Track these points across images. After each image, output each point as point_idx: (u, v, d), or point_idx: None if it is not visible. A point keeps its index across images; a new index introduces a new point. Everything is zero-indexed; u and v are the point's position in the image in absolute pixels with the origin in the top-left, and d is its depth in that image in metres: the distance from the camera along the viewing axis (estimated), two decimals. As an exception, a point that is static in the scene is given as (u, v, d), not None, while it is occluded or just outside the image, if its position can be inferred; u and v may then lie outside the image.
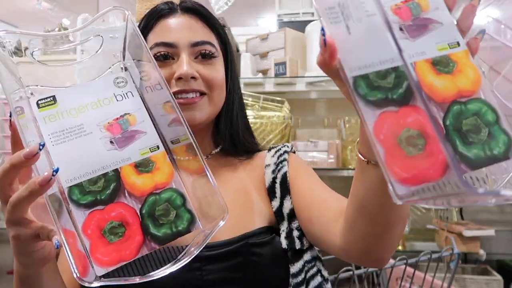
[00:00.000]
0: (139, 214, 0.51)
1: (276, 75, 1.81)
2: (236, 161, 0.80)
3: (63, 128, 0.52)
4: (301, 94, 1.96)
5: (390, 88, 0.39)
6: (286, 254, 0.70)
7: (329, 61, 0.40)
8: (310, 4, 2.24)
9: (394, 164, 0.37)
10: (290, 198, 0.73)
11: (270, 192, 0.74)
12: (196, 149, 0.55)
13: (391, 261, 1.21)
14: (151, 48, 0.71)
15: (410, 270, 1.24)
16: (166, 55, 0.71)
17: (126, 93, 0.57)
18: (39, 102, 0.53)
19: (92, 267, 0.46)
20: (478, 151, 0.37)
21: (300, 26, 1.94)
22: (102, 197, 0.50)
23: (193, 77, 0.69)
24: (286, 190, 0.74)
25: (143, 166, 0.53)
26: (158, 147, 0.55)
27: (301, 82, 1.83)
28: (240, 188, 0.75)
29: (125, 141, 0.53)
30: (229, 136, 0.78)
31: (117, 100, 0.55)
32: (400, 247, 1.90)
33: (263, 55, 1.90)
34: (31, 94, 0.54)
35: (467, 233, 1.72)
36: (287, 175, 0.75)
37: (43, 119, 0.52)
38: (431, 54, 0.40)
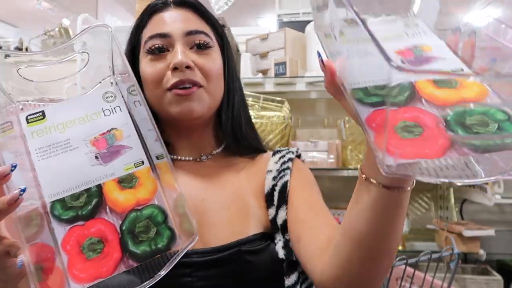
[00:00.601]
0: (119, 230, 0.50)
1: (276, 75, 1.81)
2: (238, 162, 0.77)
3: (49, 143, 0.52)
4: (301, 94, 1.96)
5: (386, 95, 0.40)
6: (281, 263, 0.68)
7: (330, 79, 0.44)
8: (310, 4, 2.24)
9: (387, 142, 0.37)
10: (286, 208, 0.70)
11: (268, 199, 0.72)
12: (170, 168, 0.54)
13: (391, 261, 1.21)
14: (145, 42, 0.71)
15: (410, 270, 1.24)
16: (161, 48, 0.69)
17: (114, 108, 0.56)
18: (28, 117, 0.54)
19: (69, 283, 0.46)
20: (483, 142, 0.37)
21: (300, 26, 1.94)
22: (83, 213, 0.50)
23: (189, 67, 0.68)
24: (283, 199, 0.71)
25: (126, 182, 0.52)
26: (142, 162, 0.54)
27: (301, 82, 1.83)
28: (238, 191, 0.73)
29: (110, 156, 0.53)
30: (232, 130, 0.75)
31: (105, 115, 0.55)
32: (400, 247, 1.90)
33: (263, 55, 1.90)
34: (21, 109, 0.55)
35: (467, 233, 1.72)
36: (288, 184, 0.72)
37: (31, 134, 0.53)
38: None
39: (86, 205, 0.50)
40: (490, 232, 1.75)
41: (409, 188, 0.47)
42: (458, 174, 0.37)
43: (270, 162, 0.76)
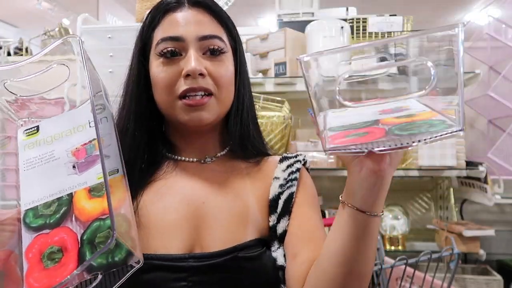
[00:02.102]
0: (79, 240, 0.49)
1: (276, 75, 1.81)
2: (243, 166, 0.76)
3: (36, 154, 0.55)
4: (301, 94, 1.96)
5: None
6: (277, 271, 0.68)
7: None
8: (310, 4, 2.24)
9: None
10: (288, 220, 0.71)
11: (272, 205, 0.72)
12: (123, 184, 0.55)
13: (391, 261, 1.21)
14: (157, 44, 0.69)
15: (410, 270, 1.24)
16: (173, 52, 0.67)
17: (100, 119, 0.57)
18: (25, 131, 0.57)
19: None
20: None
21: (300, 26, 1.94)
22: (51, 221, 0.50)
23: (201, 74, 0.66)
24: (287, 210, 0.71)
25: (96, 191, 0.52)
26: (117, 170, 0.55)
27: (301, 82, 1.83)
28: (240, 196, 0.72)
29: (86, 165, 0.53)
30: (239, 137, 0.74)
31: (90, 127, 0.56)
32: (400, 247, 1.90)
33: (263, 55, 1.90)
34: (21, 125, 0.58)
35: (467, 233, 1.72)
36: (294, 196, 0.72)
37: (23, 147, 0.55)
38: None
39: (55, 213, 0.50)
40: (490, 232, 1.75)
41: (376, 215, 0.56)
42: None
43: (277, 169, 0.76)
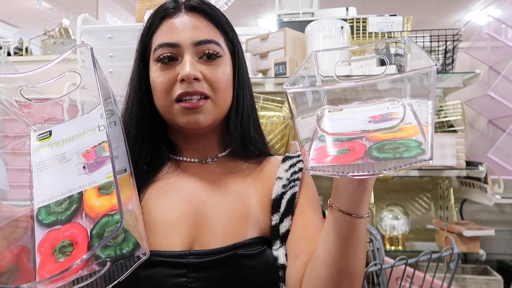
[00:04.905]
0: (89, 234, 0.51)
1: (276, 75, 1.81)
2: (244, 166, 0.77)
3: (49, 157, 0.58)
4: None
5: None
6: (277, 269, 0.69)
7: None
8: (310, 4, 2.24)
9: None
10: (291, 219, 0.72)
11: (275, 205, 0.73)
12: (131, 183, 0.57)
13: (391, 261, 1.21)
14: (155, 50, 0.70)
15: (410, 270, 1.24)
16: (170, 57, 0.69)
17: (110, 123, 0.61)
18: (38, 136, 0.61)
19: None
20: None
21: (300, 26, 1.94)
22: (62, 217, 0.53)
23: (196, 79, 0.67)
24: (290, 209, 0.72)
25: (105, 189, 0.54)
26: (125, 170, 0.59)
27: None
28: (240, 196, 0.73)
29: (96, 166, 0.56)
30: (240, 138, 0.75)
31: (99, 130, 0.59)
32: (400, 247, 1.90)
33: (263, 55, 1.90)
34: (35, 130, 0.62)
35: (467, 233, 1.72)
36: (297, 196, 0.73)
37: (36, 150, 0.59)
38: None
39: (66, 210, 0.53)
40: (490, 232, 1.75)
41: (362, 217, 0.57)
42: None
43: (280, 170, 0.77)
